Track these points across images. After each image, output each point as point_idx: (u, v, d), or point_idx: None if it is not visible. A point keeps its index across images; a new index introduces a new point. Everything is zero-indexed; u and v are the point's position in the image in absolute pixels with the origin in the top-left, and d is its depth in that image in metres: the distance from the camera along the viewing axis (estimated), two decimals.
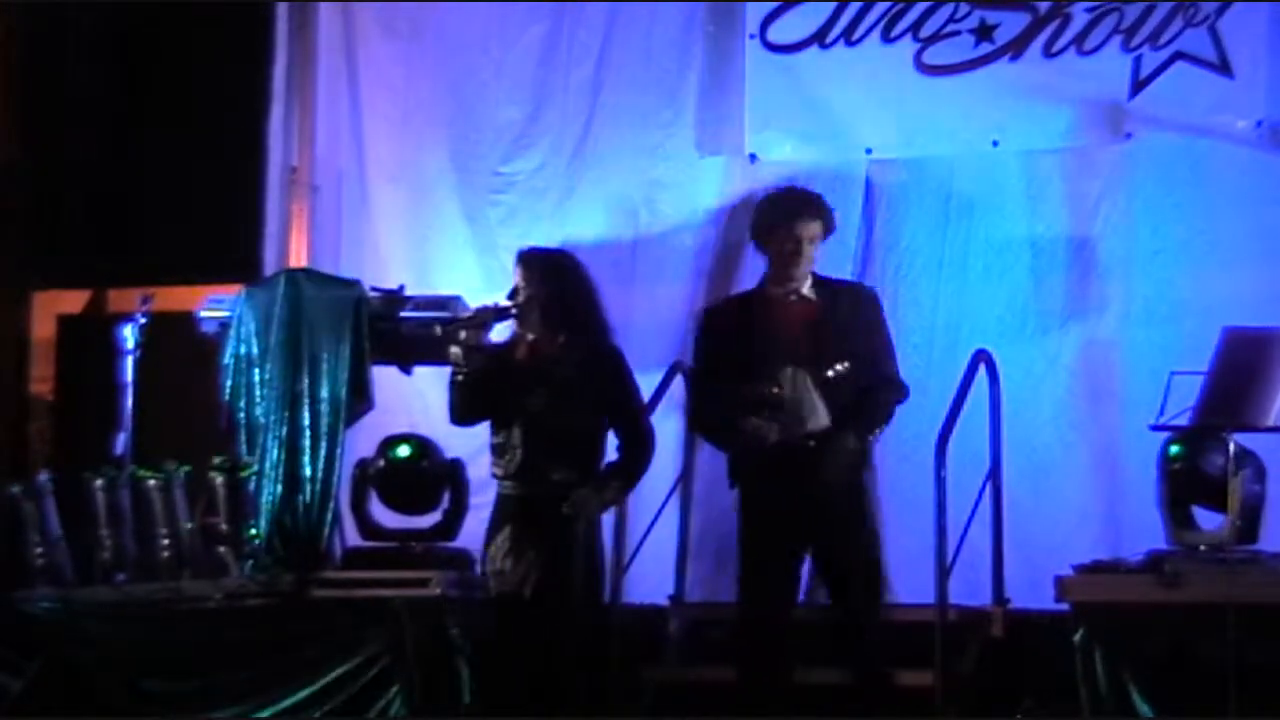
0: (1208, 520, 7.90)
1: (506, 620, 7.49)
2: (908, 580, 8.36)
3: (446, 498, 8.80)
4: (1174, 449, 7.84)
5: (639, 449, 7.58)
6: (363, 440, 9.08)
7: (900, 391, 7.55)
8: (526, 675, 7.41)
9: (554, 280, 7.57)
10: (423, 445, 8.87)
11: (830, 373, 7.34)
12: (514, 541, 7.46)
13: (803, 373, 7.37)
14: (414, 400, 9.43)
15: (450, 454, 8.89)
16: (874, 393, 7.44)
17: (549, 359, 7.50)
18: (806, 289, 7.52)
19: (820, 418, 7.36)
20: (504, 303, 7.56)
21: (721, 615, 8.42)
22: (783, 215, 7.52)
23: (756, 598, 7.48)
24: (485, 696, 7.67)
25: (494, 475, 7.62)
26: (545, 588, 7.40)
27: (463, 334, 7.50)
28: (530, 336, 7.57)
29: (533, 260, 7.63)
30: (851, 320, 7.48)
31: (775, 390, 7.34)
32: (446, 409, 7.62)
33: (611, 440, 7.62)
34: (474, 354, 7.45)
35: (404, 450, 8.86)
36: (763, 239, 7.58)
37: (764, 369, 7.40)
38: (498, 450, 7.58)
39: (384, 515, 8.98)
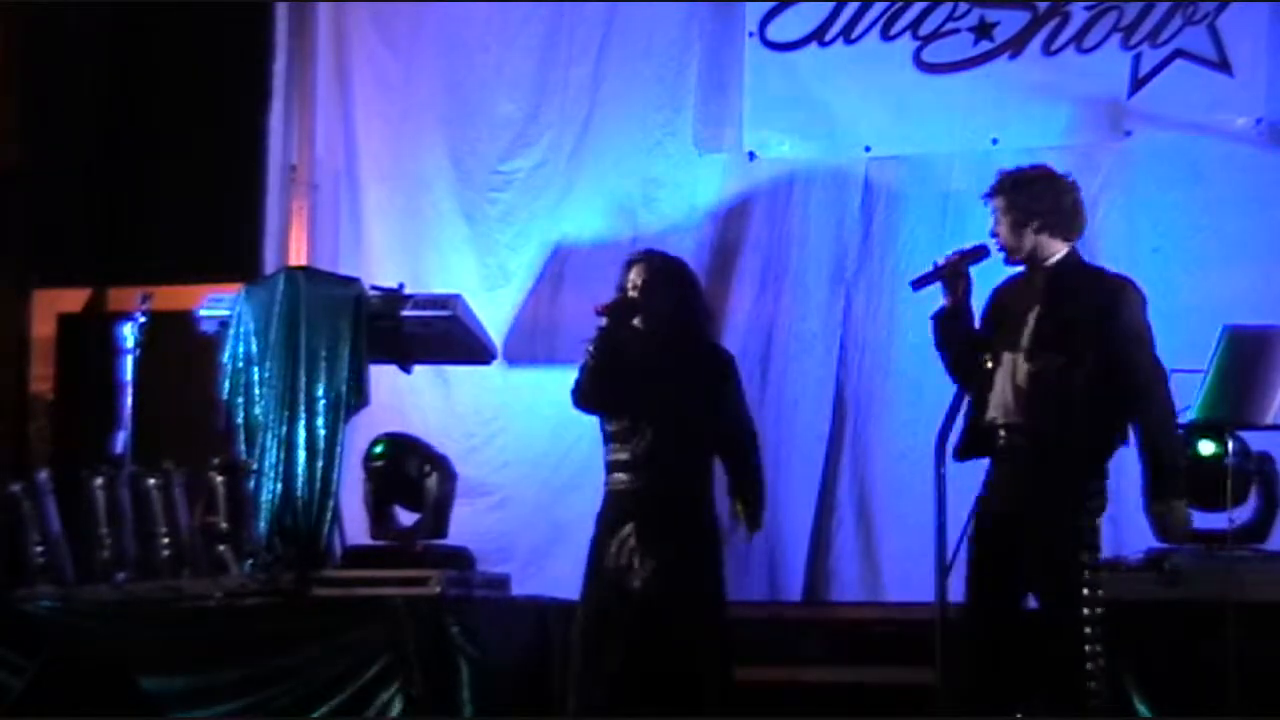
0: (1205, 520, 7.91)
1: (638, 616, 7.30)
2: (907, 579, 8.37)
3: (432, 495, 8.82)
4: (1207, 448, 7.84)
5: (746, 451, 7.54)
6: (367, 440, 9.08)
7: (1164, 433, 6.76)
8: (646, 674, 7.27)
9: (672, 280, 7.51)
10: (397, 444, 8.87)
11: (1030, 363, 6.82)
12: (641, 538, 7.31)
13: (1017, 357, 6.86)
14: (411, 399, 9.45)
15: (450, 455, 8.91)
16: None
17: (671, 354, 7.43)
18: (1051, 271, 6.90)
19: (1002, 404, 6.90)
20: (635, 296, 7.43)
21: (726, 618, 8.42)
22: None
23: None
24: (585, 695, 7.40)
25: (608, 464, 7.46)
26: (681, 586, 7.30)
27: (603, 320, 7.37)
28: (647, 333, 7.46)
29: (651, 260, 7.55)
30: (1089, 312, 6.81)
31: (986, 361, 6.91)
32: (572, 391, 7.43)
33: None
34: (610, 338, 7.34)
35: (378, 449, 8.87)
36: None
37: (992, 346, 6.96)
38: (619, 436, 7.41)
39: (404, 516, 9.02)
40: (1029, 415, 6.83)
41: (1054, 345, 6.81)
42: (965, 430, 7.08)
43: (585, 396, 7.42)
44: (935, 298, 8.73)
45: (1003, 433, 6.95)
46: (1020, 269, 6.94)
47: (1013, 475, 6.93)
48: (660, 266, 7.51)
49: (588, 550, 7.47)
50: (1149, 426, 6.73)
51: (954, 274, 6.95)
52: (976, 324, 7.00)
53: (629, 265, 7.52)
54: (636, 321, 7.42)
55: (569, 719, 7.41)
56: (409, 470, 8.87)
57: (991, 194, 6.95)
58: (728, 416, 7.52)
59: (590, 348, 7.35)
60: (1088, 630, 6.78)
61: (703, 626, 7.35)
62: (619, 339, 7.35)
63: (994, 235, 6.93)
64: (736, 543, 9.06)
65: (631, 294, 7.42)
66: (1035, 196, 6.89)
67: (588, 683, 7.34)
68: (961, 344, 7.00)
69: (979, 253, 6.96)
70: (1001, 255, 6.94)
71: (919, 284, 7.10)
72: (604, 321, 7.36)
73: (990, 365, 6.91)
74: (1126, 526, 8.44)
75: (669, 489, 7.36)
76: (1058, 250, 6.89)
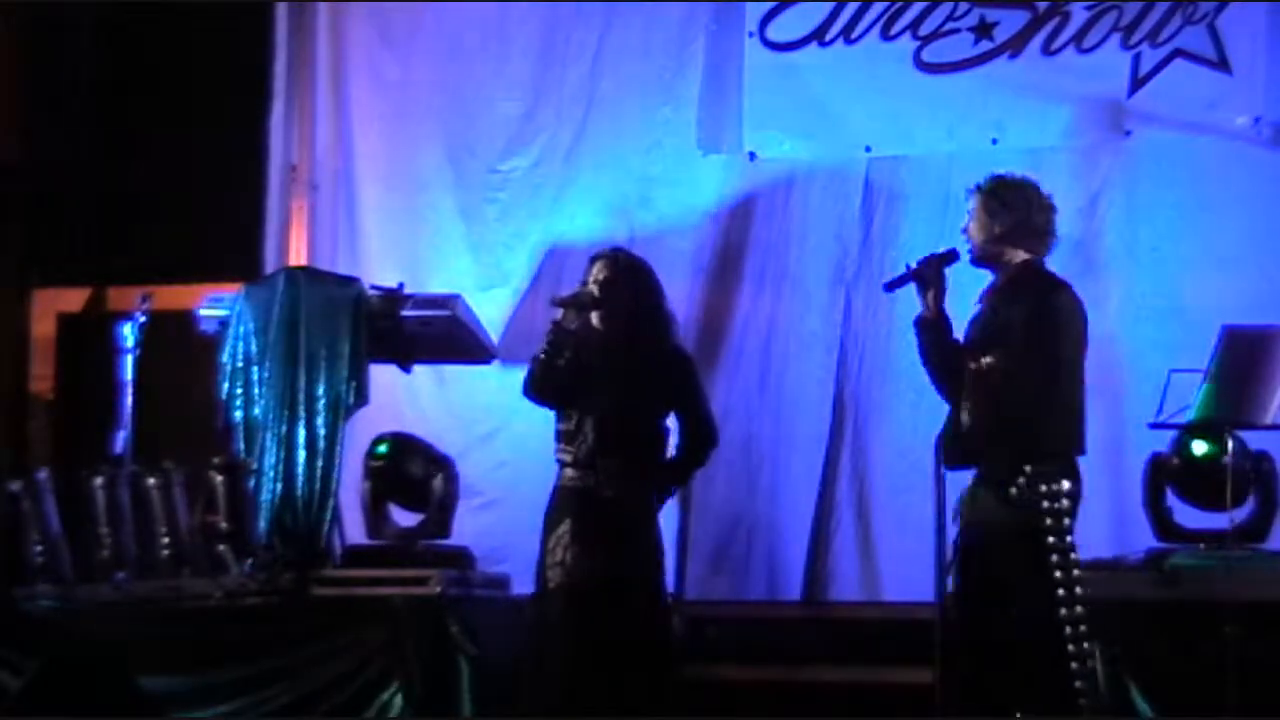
0: (1205, 519, 7.92)
1: (569, 613, 7.33)
2: (906, 578, 8.36)
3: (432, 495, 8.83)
4: (1201, 447, 7.84)
5: (701, 449, 7.59)
6: (366, 440, 9.07)
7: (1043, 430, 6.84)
8: (583, 670, 7.28)
9: (635, 279, 7.52)
10: (401, 444, 8.87)
11: (973, 364, 6.95)
12: (576, 534, 7.33)
13: (972, 359, 6.99)
14: (408, 398, 9.45)
15: (449, 453, 8.91)
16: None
17: (625, 353, 7.44)
18: (1009, 276, 7.01)
19: (963, 409, 7.00)
20: (594, 292, 7.43)
21: (719, 613, 8.43)
22: None
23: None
24: (530, 692, 7.45)
25: (559, 461, 7.49)
26: (613, 581, 7.31)
27: (559, 312, 7.39)
28: (605, 330, 7.47)
29: (616, 258, 7.55)
30: (1020, 311, 6.91)
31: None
32: (524, 382, 7.47)
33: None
34: (565, 334, 7.37)
35: (381, 449, 8.87)
36: None
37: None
38: (566, 436, 7.45)
39: (400, 515, 9.00)
40: (977, 416, 6.94)
41: (995, 346, 6.90)
42: (947, 438, 7.16)
43: (533, 388, 7.46)
44: None
45: (967, 437, 7.02)
46: (991, 276, 7.04)
47: (977, 479, 7.02)
48: (624, 265, 7.51)
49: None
50: (1034, 417, 6.79)
51: (927, 279, 7.04)
52: (957, 333, 7.06)
53: (593, 261, 7.54)
54: (595, 320, 7.42)
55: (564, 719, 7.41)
56: (412, 470, 8.87)
57: (972, 191, 7.05)
58: (694, 418, 7.51)
59: (545, 340, 7.38)
60: (1068, 630, 6.81)
61: (638, 624, 7.34)
62: (575, 334, 7.36)
63: (964, 232, 7.03)
64: (735, 543, 9.14)
65: (592, 289, 7.42)
66: (1008, 203, 6.98)
67: (536, 680, 7.35)
68: (943, 353, 7.08)
69: (950, 256, 7.06)
70: (970, 257, 7.03)
71: (891, 286, 7.20)
72: (560, 314, 7.36)
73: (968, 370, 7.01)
74: (1126, 525, 8.48)
75: (609, 489, 7.36)
76: (1018, 258, 6.98)
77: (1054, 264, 8.79)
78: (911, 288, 7.09)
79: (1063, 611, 6.77)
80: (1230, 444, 7.73)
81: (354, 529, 9.07)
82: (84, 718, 8.19)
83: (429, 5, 9.84)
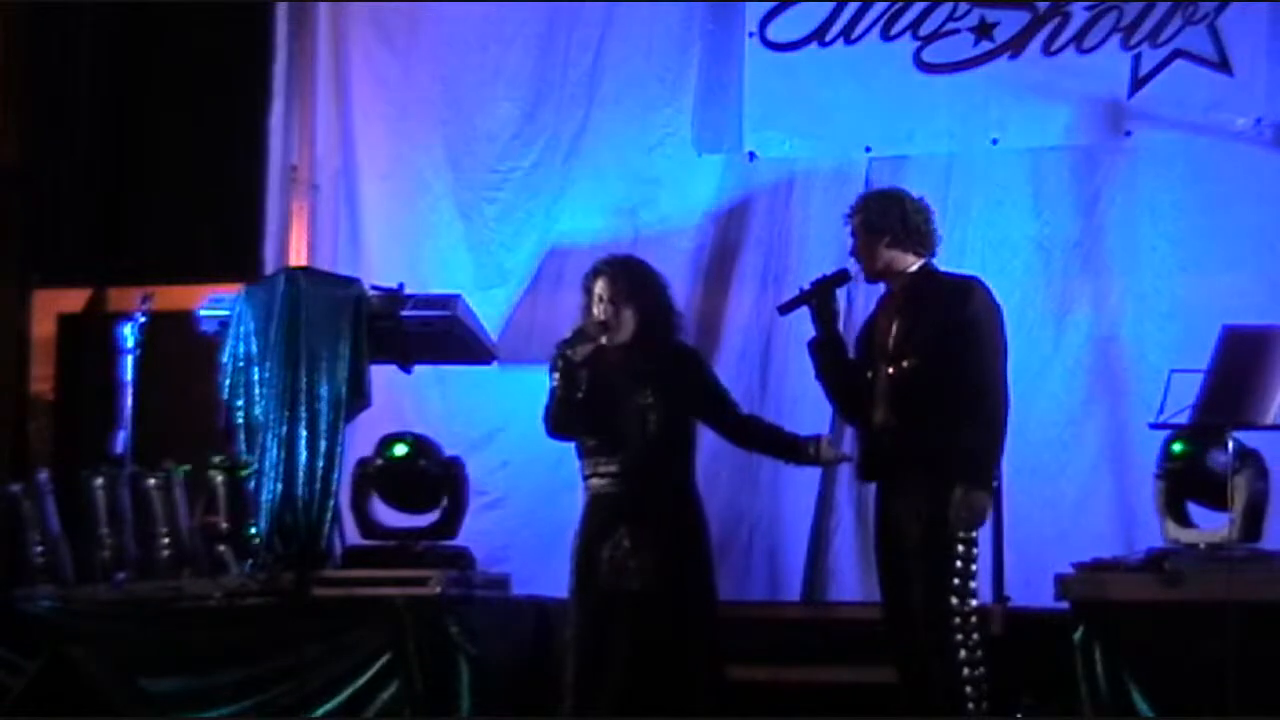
0: (1205, 519, 7.92)
1: (634, 618, 7.28)
2: None
3: (446, 496, 8.82)
4: (1177, 447, 7.86)
5: (761, 418, 7.74)
6: (364, 439, 9.08)
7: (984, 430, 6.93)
8: (646, 675, 7.25)
9: (641, 286, 7.50)
10: (419, 444, 8.87)
11: (891, 369, 7.08)
12: (635, 540, 7.28)
13: (883, 366, 7.13)
14: (410, 399, 9.45)
15: (450, 453, 8.91)
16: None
17: (644, 359, 7.43)
18: (907, 282, 7.17)
19: (879, 413, 7.13)
20: (599, 317, 7.40)
21: (721, 614, 8.41)
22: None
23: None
24: (587, 697, 7.37)
25: (591, 475, 7.42)
26: (678, 583, 7.30)
27: (569, 350, 7.35)
28: (621, 347, 7.43)
29: (614, 274, 7.49)
30: (936, 313, 7.06)
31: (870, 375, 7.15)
32: (544, 421, 7.40)
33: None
34: (575, 367, 7.34)
35: (400, 449, 8.87)
36: None
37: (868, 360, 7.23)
38: (600, 451, 7.39)
39: (387, 515, 8.99)
40: (893, 418, 7.04)
41: (909, 349, 7.03)
42: (860, 449, 7.21)
43: (556, 426, 7.42)
44: None
45: (879, 440, 7.12)
46: (883, 289, 7.20)
47: (890, 481, 7.11)
48: (624, 278, 7.48)
49: (572, 559, 7.44)
50: (963, 416, 6.88)
51: (820, 301, 7.21)
52: (851, 352, 7.24)
53: (595, 275, 7.50)
54: (604, 340, 7.42)
55: (568, 719, 7.40)
56: (426, 471, 8.87)
57: (848, 217, 7.23)
58: (727, 407, 7.57)
59: (557, 376, 7.36)
60: (959, 637, 6.87)
61: (700, 623, 7.35)
62: (586, 365, 7.35)
63: (852, 255, 7.20)
64: (737, 542, 9.14)
65: (597, 311, 7.41)
66: (883, 214, 7.15)
67: (588, 691, 7.33)
68: (839, 373, 7.24)
69: (841, 277, 7.27)
70: (865, 276, 7.22)
71: (785, 309, 7.37)
72: (570, 351, 7.36)
73: (871, 378, 7.12)
74: (1127, 525, 8.48)
75: (657, 490, 7.36)
76: (911, 264, 7.13)
77: (1055, 263, 8.92)
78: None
79: (956, 620, 6.91)
80: (1230, 444, 7.73)
81: (355, 529, 9.07)
82: (84, 718, 8.20)
83: (429, 5, 9.84)
